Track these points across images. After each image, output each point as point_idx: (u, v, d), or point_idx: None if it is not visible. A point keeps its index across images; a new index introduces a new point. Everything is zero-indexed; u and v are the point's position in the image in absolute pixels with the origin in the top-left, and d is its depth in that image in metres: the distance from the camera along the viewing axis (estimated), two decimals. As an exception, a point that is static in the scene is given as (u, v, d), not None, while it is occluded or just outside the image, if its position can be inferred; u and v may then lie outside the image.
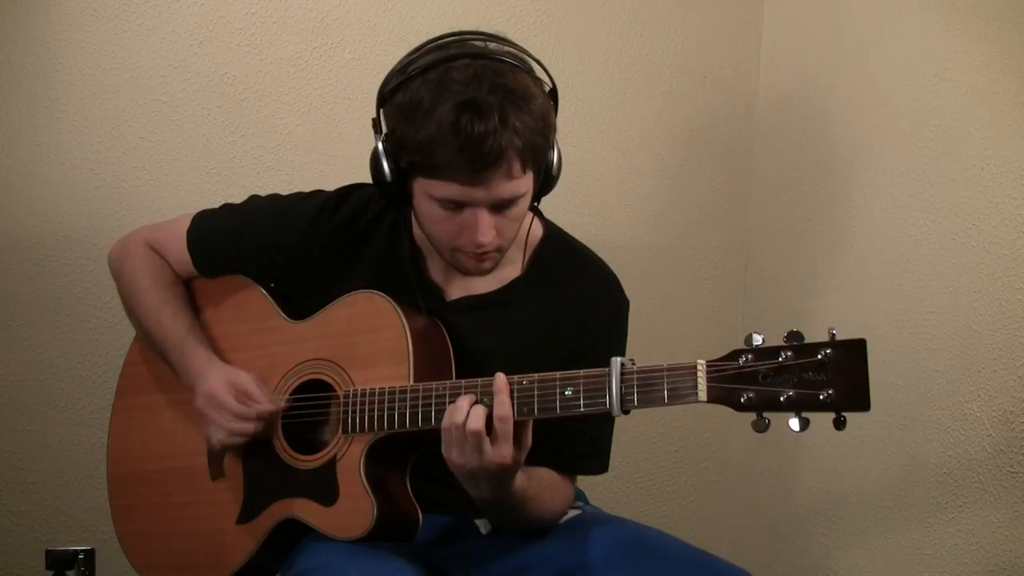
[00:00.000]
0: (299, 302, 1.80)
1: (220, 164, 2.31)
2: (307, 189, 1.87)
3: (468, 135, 1.52)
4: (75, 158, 2.23)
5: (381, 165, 1.63)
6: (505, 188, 1.58)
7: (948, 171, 2.15)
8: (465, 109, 1.52)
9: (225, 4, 2.30)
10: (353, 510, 1.63)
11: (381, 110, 1.65)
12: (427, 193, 1.60)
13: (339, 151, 2.37)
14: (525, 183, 1.61)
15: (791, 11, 2.63)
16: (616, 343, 1.78)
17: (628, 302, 1.81)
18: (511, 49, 1.63)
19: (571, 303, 1.76)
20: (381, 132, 1.65)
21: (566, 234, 1.83)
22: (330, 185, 1.86)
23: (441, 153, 1.54)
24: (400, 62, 1.63)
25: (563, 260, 1.79)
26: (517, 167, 1.57)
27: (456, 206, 1.60)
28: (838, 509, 2.39)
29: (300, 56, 2.36)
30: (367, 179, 1.85)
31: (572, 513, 1.78)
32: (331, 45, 2.38)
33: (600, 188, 2.57)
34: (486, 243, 1.61)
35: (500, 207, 1.61)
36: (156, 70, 2.26)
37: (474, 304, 1.76)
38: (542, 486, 1.67)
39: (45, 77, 2.20)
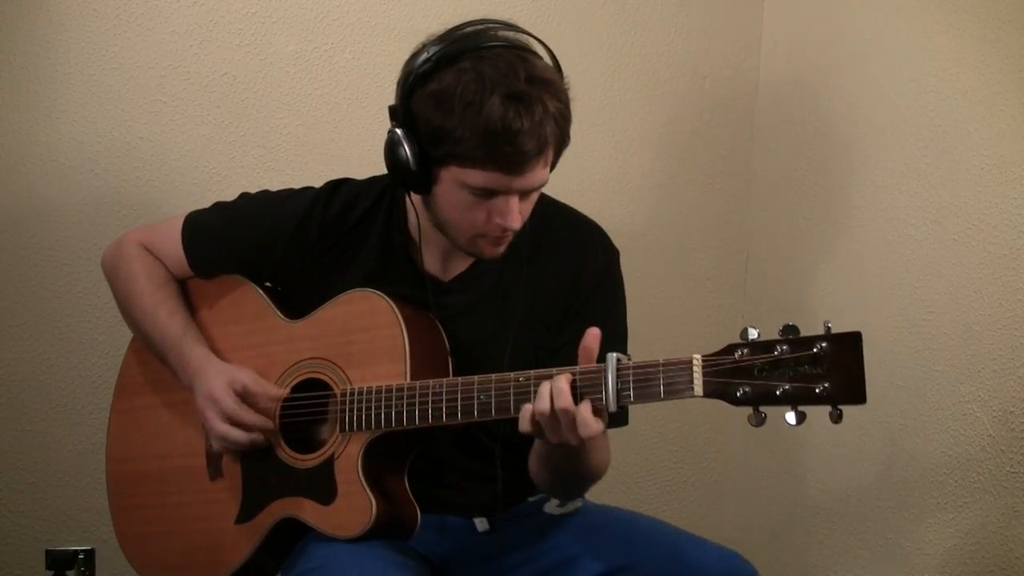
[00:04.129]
0: (296, 300, 1.80)
1: (220, 164, 2.31)
2: (306, 189, 1.87)
3: (519, 129, 1.54)
4: (75, 158, 2.23)
5: (403, 152, 1.63)
6: (540, 177, 1.62)
7: (948, 171, 2.15)
8: (512, 102, 1.54)
9: (225, 4, 2.30)
10: (351, 508, 1.63)
11: (407, 99, 1.64)
12: (460, 181, 1.61)
13: (339, 151, 2.37)
14: (551, 167, 1.65)
15: (791, 11, 2.62)
16: (613, 293, 1.80)
17: (617, 251, 1.83)
18: (526, 36, 1.65)
19: (563, 258, 1.78)
20: (403, 120, 1.64)
21: (545, 195, 1.80)
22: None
23: (487, 145, 1.56)
24: (425, 51, 1.63)
25: (549, 219, 1.80)
26: (551, 156, 1.62)
27: (489, 194, 1.61)
28: (838, 509, 2.39)
29: (300, 56, 2.35)
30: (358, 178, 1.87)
31: (572, 506, 1.80)
32: (331, 45, 2.38)
33: (600, 188, 2.57)
34: (516, 228, 1.64)
35: (527, 193, 1.64)
36: (156, 70, 2.26)
37: (469, 277, 1.77)
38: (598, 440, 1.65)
39: (45, 77, 2.20)
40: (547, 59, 1.66)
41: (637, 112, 2.61)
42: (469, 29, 1.64)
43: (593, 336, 1.51)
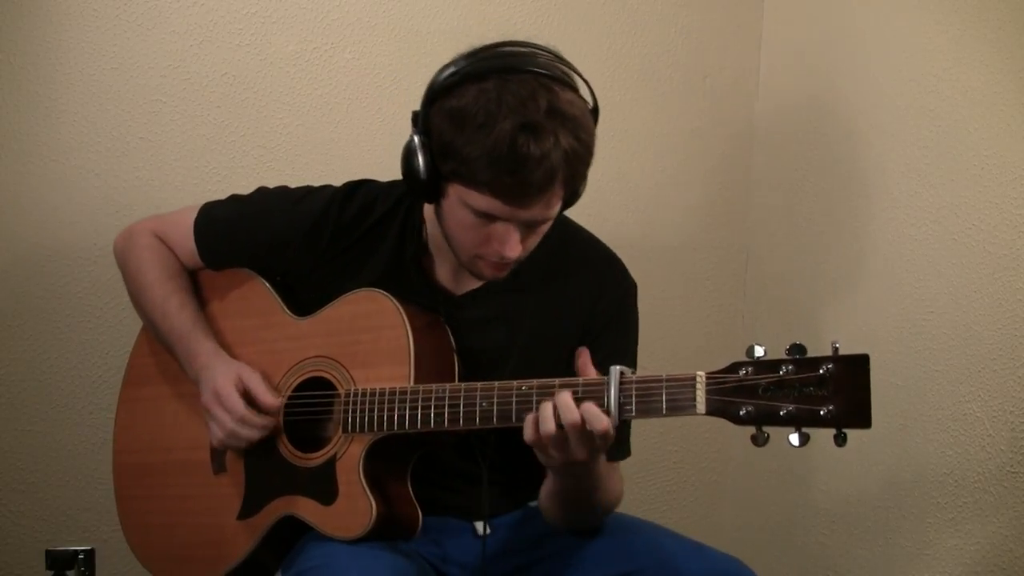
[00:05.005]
0: (305, 297, 1.80)
1: (220, 164, 2.31)
2: (307, 188, 1.87)
3: (523, 159, 1.51)
4: (75, 158, 2.22)
5: (416, 161, 1.62)
6: (543, 212, 1.60)
7: (948, 171, 2.16)
8: (523, 132, 1.51)
9: (225, 4, 2.29)
10: (352, 510, 1.63)
11: (428, 108, 1.62)
12: (463, 201, 1.60)
13: (339, 151, 2.37)
14: (559, 206, 1.63)
15: (791, 11, 2.62)
16: (626, 327, 1.79)
17: (635, 284, 1.82)
18: (563, 67, 1.62)
19: (579, 287, 1.77)
20: (422, 128, 1.63)
21: (566, 217, 1.81)
22: (336, 183, 1.86)
23: (491, 171, 1.53)
24: (454, 63, 1.61)
25: (568, 245, 1.79)
26: (559, 194, 1.59)
27: (490, 218, 1.60)
28: (838, 509, 2.39)
29: (300, 56, 2.35)
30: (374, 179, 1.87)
31: None
32: (331, 45, 2.37)
33: (600, 188, 2.53)
34: (512, 258, 1.62)
35: (531, 225, 1.62)
36: (156, 70, 2.26)
37: (482, 294, 1.76)
38: (607, 468, 1.66)
39: (45, 77, 2.20)
40: (587, 96, 1.63)
41: (637, 112, 2.61)
42: (506, 49, 1.60)
43: (583, 355, 1.53)
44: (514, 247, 1.61)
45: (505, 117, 1.52)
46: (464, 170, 1.57)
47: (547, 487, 1.69)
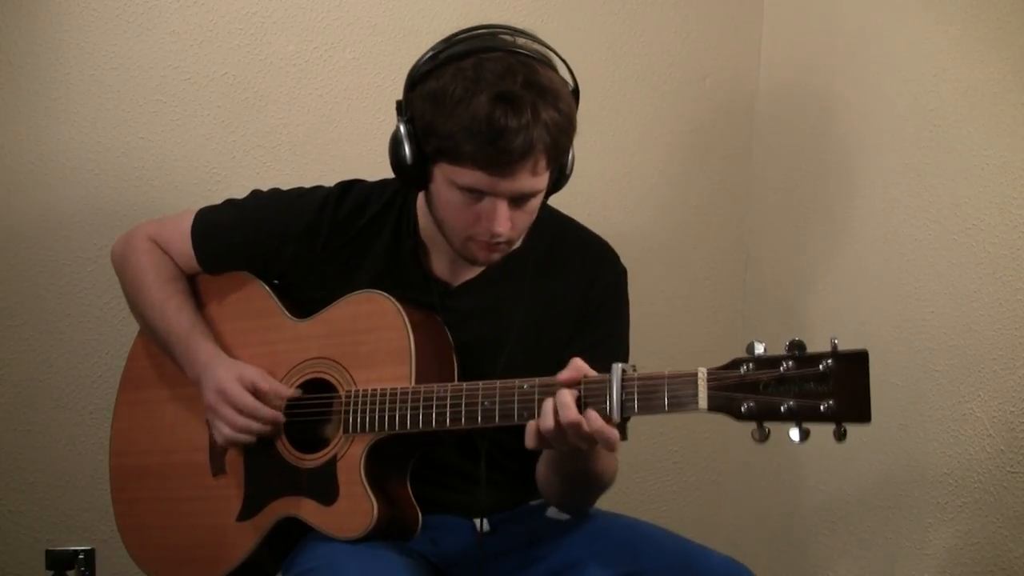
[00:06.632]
0: (303, 298, 1.81)
1: (220, 164, 2.31)
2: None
3: (502, 128, 1.54)
4: (75, 158, 2.23)
5: (403, 148, 1.65)
6: (528, 183, 1.61)
7: (948, 171, 2.15)
8: (500, 102, 1.55)
9: (225, 4, 2.30)
10: (353, 510, 1.64)
11: (410, 94, 1.66)
12: (449, 180, 1.62)
13: (338, 151, 2.38)
14: (545, 179, 1.64)
15: (791, 11, 2.62)
16: (617, 309, 1.81)
17: (625, 269, 1.84)
18: (540, 47, 1.66)
19: (573, 275, 1.79)
20: (406, 115, 1.66)
21: (556, 210, 1.84)
22: (330, 184, 1.86)
23: (472, 143, 1.56)
24: (433, 48, 1.65)
25: (560, 234, 1.82)
26: (542, 163, 1.61)
27: (477, 195, 1.62)
28: (838, 509, 2.39)
29: (300, 56, 2.36)
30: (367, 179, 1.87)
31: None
32: (331, 45, 2.38)
33: (600, 188, 2.57)
34: (502, 234, 1.64)
35: (519, 200, 1.64)
36: (156, 70, 2.26)
37: (478, 284, 1.78)
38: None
39: (45, 77, 2.20)
40: (566, 74, 1.66)
41: (637, 112, 2.61)
42: (482, 31, 1.65)
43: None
44: (503, 222, 1.62)
45: (482, 91, 1.56)
46: (447, 146, 1.59)
47: (546, 458, 1.70)
